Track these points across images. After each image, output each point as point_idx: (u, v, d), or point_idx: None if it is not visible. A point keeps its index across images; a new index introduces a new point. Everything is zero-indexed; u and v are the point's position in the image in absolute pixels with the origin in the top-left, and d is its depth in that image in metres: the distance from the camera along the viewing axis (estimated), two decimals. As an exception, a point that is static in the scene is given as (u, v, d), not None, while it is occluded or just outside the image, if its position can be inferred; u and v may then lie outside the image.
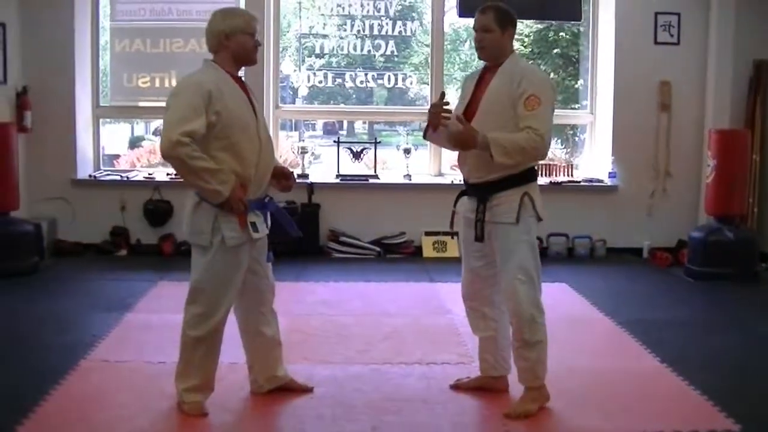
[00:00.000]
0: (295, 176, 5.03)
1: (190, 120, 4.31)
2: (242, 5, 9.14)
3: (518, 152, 4.55)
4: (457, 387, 5.19)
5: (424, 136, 5.05)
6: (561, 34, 10.64)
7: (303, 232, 8.73)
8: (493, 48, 4.77)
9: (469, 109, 4.82)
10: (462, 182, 5.08)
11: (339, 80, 10.11)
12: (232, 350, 5.04)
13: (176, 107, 4.37)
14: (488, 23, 4.73)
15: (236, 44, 4.57)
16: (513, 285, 4.72)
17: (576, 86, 10.49)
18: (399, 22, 9.83)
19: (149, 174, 9.69)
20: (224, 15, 4.63)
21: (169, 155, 4.34)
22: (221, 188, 4.36)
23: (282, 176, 4.90)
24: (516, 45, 10.21)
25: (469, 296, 5.07)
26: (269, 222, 4.77)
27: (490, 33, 4.73)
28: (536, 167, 4.88)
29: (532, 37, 10.73)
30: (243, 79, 4.76)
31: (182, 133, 4.27)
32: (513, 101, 4.61)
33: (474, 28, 4.85)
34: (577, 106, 10.40)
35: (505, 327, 5.02)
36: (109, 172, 9.75)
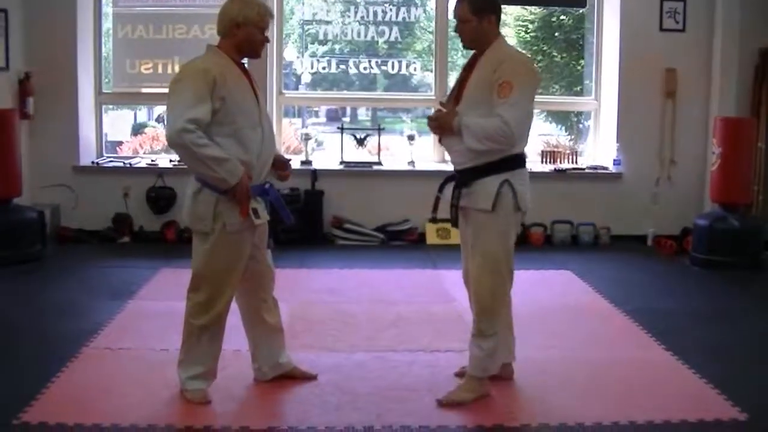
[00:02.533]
0: (291, 166, 4.99)
1: (194, 107, 4.28)
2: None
3: (486, 138, 4.53)
4: (461, 374, 5.17)
5: (440, 142, 5.03)
6: (562, 18, 10.59)
7: (306, 219, 8.87)
8: (472, 38, 4.75)
9: (457, 96, 4.80)
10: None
11: (342, 67, 10.09)
12: (236, 338, 5.03)
13: (181, 94, 4.34)
14: (464, 14, 4.71)
15: (245, 35, 4.54)
16: (477, 273, 4.71)
17: (579, 70, 10.44)
18: (403, 9, 9.79)
19: (152, 161, 9.65)
20: (242, 3, 4.57)
21: (174, 143, 4.31)
22: (228, 177, 4.33)
23: (279, 166, 4.88)
24: (521, 32, 10.17)
25: (466, 281, 5.03)
26: (268, 208, 4.75)
27: (467, 23, 4.70)
28: (524, 154, 4.79)
29: (536, 24, 10.68)
30: (246, 65, 4.72)
31: (188, 120, 4.24)
32: (491, 88, 4.57)
33: (454, 17, 4.83)
34: (579, 87, 10.36)
35: (509, 316, 5.02)
36: (111, 159, 9.71)
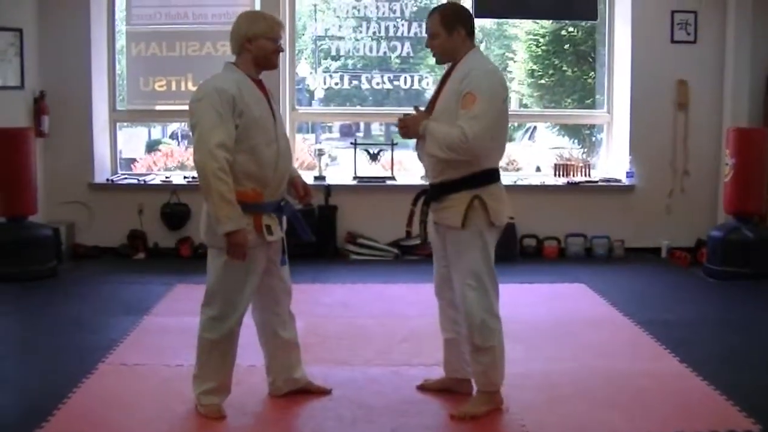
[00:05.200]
0: (312, 193, 5.03)
1: (219, 128, 4.34)
2: (257, 7, 9.14)
3: (447, 147, 4.51)
4: (422, 388, 5.18)
5: (416, 149, 5.00)
6: (572, 31, 10.61)
7: (320, 234, 8.90)
8: (442, 52, 4.76)
9: (431, 108, 4.81)
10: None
11: (355, 82, 10.10)
12: (251, 353, 5.06)
13: (203, 115, 4.38)
14: (434, 28, 4.72)
15: (257, 48, 4.58)
16: (463, 290, 4.69)
17: (591, 83, 10.45)
18: (414, 24, 9.80)
19: (166, 177, 9.70)
20: (248, 19, 4.65)
21: (199, 164, 4.35)
22: (224, 221, 4.34)
23: (298, 188, 4.91)
24: (532, 46, 10.16)
25: (437, 294, 5.04)
26: (285, 225, 4.77)
27: (436, 38, 4.71)
28: (496, 169, 4.77)
29: (547, 38, 10.70)
30: (262, 81, 4.74)
31: (217, 144, 4.30)
32: (458, 99, 4.57)
33: (425, 32, 4.86)
34: (590, 100, 10.37)
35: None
36: (126, 176, 9.76)
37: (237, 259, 4.46)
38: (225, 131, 4.35)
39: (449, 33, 4.67)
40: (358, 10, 9.84)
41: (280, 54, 4.74)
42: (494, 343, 4.73)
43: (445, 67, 4.90)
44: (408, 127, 4.74)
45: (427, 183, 4.89)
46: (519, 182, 9.66)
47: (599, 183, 9.68)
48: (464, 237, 4.65)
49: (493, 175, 4.73)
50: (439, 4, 4.77)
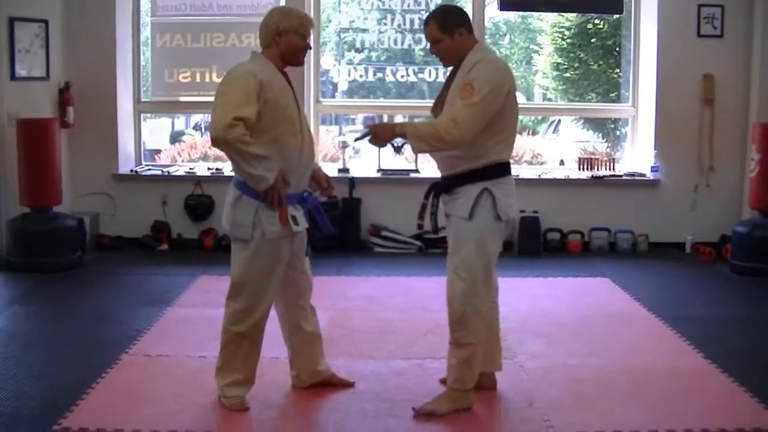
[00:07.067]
0: (333, 184, 5.02)
1: (242, 106, 4.32)
2: (283, 0, 9.15)
3: (432, 138, 4.47)
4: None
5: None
6: (599, 24, 10.56)
7: (344, 227, 8.88)
8: (448, 55, 4.72)
9: (438, 106, 4.82)
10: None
11: (379, 74, 10.08)
12: (274, 345, 5.05)
13: (228, 94, 4.39)
14: (434, 34, 4.67)
15: (286, 43, 4.59)
16: (452, 280, 4.70)
17: (616, 77, 10.40)
18: (439, 16, 9.76)
19: (190, 169, 9.70)
20: (281, 13, 4.68)
21: (219, 137, 4.31)
22: (268, 175, 4.37)
23: (320, 181, 4.91)
24: (557, 39, 10.11)
25: None
26: (307, 216, 4.77)
27: (440, 43, 4.67)
28: (507, 162, 4.72)
29: (573, 30, 10.65)
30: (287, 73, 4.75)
31: (234, 117, 4.27)
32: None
33: (426, 39, 4.81)
34: (615, 94, 10.32)
35: (495, 325, 5.01)
36: (150, 167, 9.78)
37: (278, 204, 4.48)
38: (248, 110, 4.33)
39: (451, 36, 4.64)
40: (383, 3, 9.80)
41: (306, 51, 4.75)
42: (472, 341, 4.68)
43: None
44: (378, 134, 4.73)
45: (441, 176, 4.86)
46: (543, 176, 9.64)
47: (624, 177, 9.62)
48: (467, 228, 4.63)
49: (504, 169, 4.70)
50: (432, 10, 4.71)
